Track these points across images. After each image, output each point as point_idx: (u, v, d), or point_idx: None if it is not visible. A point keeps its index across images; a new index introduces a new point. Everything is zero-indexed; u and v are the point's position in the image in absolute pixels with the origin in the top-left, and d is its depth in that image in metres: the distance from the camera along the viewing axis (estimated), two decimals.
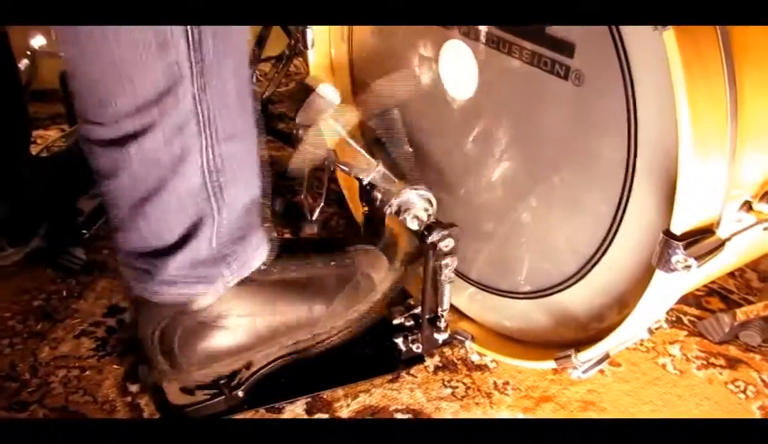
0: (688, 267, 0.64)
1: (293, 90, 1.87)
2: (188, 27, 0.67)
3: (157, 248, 0.78)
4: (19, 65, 1.42)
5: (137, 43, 0.66)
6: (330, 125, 0.95)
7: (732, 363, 1.02)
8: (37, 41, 1.61)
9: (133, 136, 0.71)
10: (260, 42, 1.67)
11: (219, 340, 0.84)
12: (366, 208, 1.00)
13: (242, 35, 0.75)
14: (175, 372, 0.85)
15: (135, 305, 0.84)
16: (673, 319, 1.09)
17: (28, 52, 1.68)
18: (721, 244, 0.67)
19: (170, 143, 0.72)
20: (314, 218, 1.26)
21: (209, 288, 0.82)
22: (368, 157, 0.95)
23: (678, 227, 0.64)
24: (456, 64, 0.89)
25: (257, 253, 0.85)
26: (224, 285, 0.82)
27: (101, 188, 0.77)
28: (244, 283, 0.84)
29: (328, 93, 0.91)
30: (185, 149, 0.73)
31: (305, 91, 0.92)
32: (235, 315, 0.84)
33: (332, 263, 0.91)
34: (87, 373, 0.97)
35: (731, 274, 1.18)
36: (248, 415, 0.91)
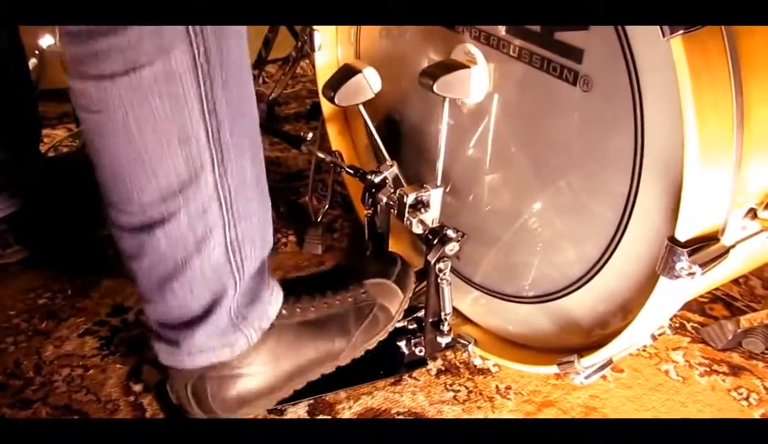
0: (692, 274, 0.64)
1: (299, 91, 1.88)
2: (207, 119, 0.71)
3: (183, 320, 0.81)
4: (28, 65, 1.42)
5: (160, 137, 0.70)
6: (360, 112, 0.95)
7: (735, 370, 1.01)
8: (46, 41, 1.62)
9: (159, 223, 0.74)
10: (267, 43, 1.68)
11: (248, 386, 0.87)
12: (369, 211, 1.00)
13: (254, 114, 0.78)
14: (210, 417, 0.88)
15: (166, 369, 0.87)
16: (677, 325, 1.08)
17: (36, 52, 1.69)
18: (726, 252, 0.67)
19: (194, 226, 0.75)
20: (319, 220, 1.26)
21: (234, 351, 0.85)
22: (386, 155, 0.96)
23: (683, 234, 0.64)
24: (464, 67, 0.89)
25: (273, 304, 0.88)
26: (247, 344, 0.85)
27: (128, 266, 0.80)
28: (267, 331, 0.87)
29: (372, 77, 0.91)
30: (208, 230, 0.76)
31: (348, 72, 0.91)
32: (260, 362, 0.87)
33: (349, 299, 0.93)
34: (90, 371, 0.97)
35: (735, 282, 1.18)
36: (250, 416, 0.91)
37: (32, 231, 1.18)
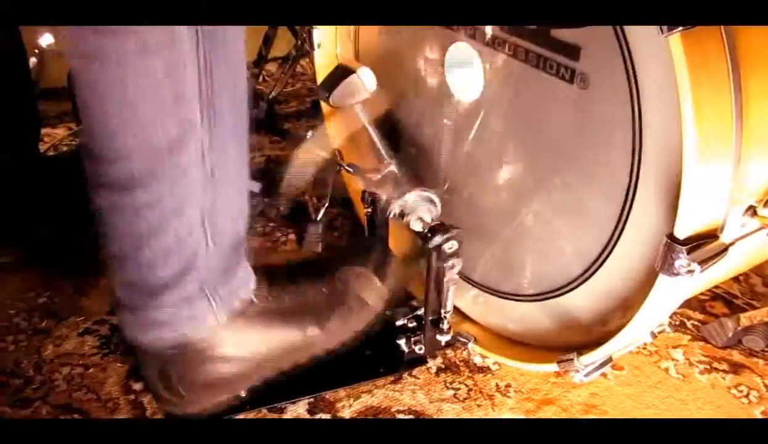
0: (691, 271, 0.64)
1: (299, 90, 1.87)
2: (201, 82, 0.71)
3: (152, 285, 0.80)
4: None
5: (154, 94, 0.70)
6: (357, 112, 0.94)
7: (735, 368, 1.01)
8: (45, 40, 1.62)
9: (140, 180, 0.73)
10: (267, 42, 1.68)
11: (217, 370, 0.86)
12: (368, 210, 1.00)
13: (245, 89, 0.79)
14: (177, 402, 0.87)
15: (135, 350, 0.87)
16: (677, 323, 1.08)
17: (36, 51, 1.68)
18: (725, 249, 0.67)
19: (174, 188, 0.75)
20: (318, 218, 1.26)
21: (201, 326, 0.84)
22: (384, 154, 0.95)
23: (681, 232, 0.64)
24: (462, 66, 0.89)
25: (244, 285, 0.88)
26: (215, 320, 0.85)
27: (101, 225, 0.79)
28: (237, 315, 0.86)
29: (367, 78, 0.91)
30: (188, 195, 0.76)
31: (342, 72, 0.91)
32: (230, 345, 0.86)
33: (323, 289, 0.92)
34: (90, 370, 0.97)
35: (735, 279, 1.17)
36: (250, 414, 0.91)
37: (32, 230, 1.18)
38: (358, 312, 0.92)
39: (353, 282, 0.93)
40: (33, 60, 1.65)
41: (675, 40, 0.59)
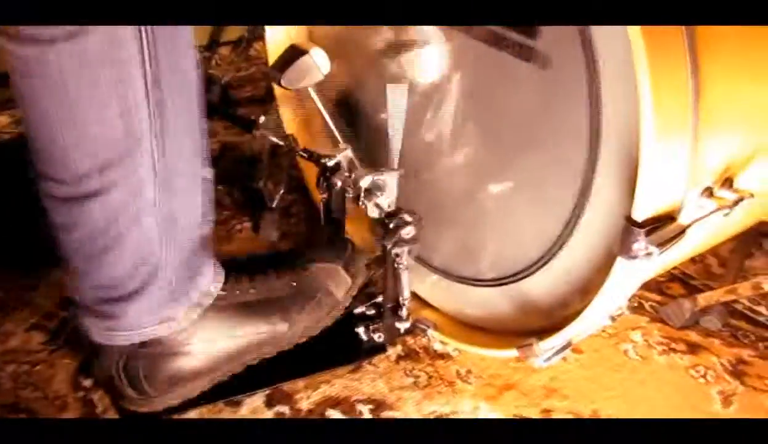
0: (649, 254, 0.64)
1: (254, 74, 1.84)
2: (149, 89, 0.69)
3: (115, 296, 0.79)
4: None
5: (99, 106, 0.68)
6: (310, 95, 0.92)
7: (693, 348, 1.02)
8: None
9: (94, 195, 0.72)
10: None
11: (183, 366, 0.85)
12: (325, 195, 0.97)
13: (197, 91, 0.77)
14: (142, 399, 0.85)
15: (95, 347, 0.84)
16: (635, 305, 1.09)
17: None
18: (682, 231, 0.66)
19: (130, 201, 0.73)
20: (274, 205, 1.24)
21: (170, 327, 0.83)
22: (339, 138, 0.93)
23: (639, 214, 0.63)
24: (419, 46, 0.87)
25: (212, 284, 0.86)
26: (186, 320, 0.84)
27: (59, 240, 0.78)
28: (204, 309, 0.85)
29: (320, 58, 0.87)
30: (144, 205, 0.74)
31: (294, 53, 0.88)
32: (197, 340, 0.85)
33: (293, 283, 0.91)
34: (38, 367, 0.94)
35: (692, 260, 1.18)
36: (204, 411, 0.89)
37: None
38: (328, 307, 0.92)
39: (323, 276, 0.92)
40: None
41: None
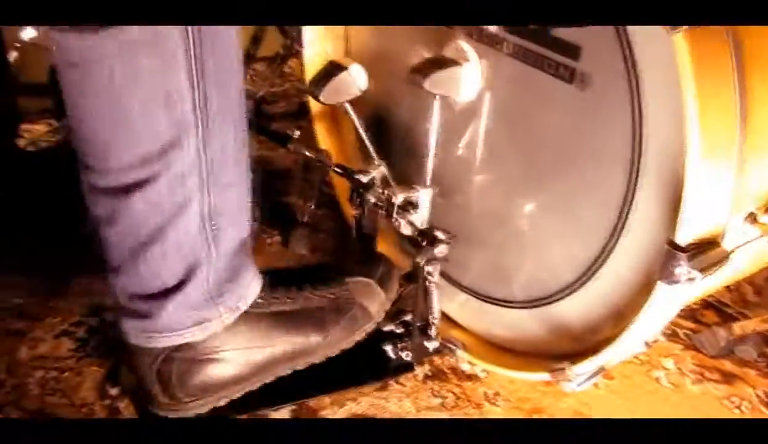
0: (691, 279, 0.62)
1: (287, 90, 1.85)
2: (194, 81, 0.69)
3: (155, 292, 0.79)
4: (8, 57, 1.39)
5: (144, 97, 0.68)
6: (347, 110, 0.92)
7: (727, 378, 1.00)
8: (27, 34, 1.57)
9: (137, 186, 0.72)
10: (256, 41, 1.65)
11: (216, 372, 0.84)
12: (357, 211, 0.97)
13: (241, 86, 0.76)
14: (174, 403, 0.85)
15: (129, 348, 0.84)
16: (668, 332, 1.07)
17: (17, 45, 1.65)
18: (726, 257, 0.65)
19: (173, 193, 0.73)
20: (305, 220, 1.24)
21: (206, 329, 0.82)
22: (373, 154, 0.93)
23: (683, 238, 0.62)
24: (458, 65, 0.86)
25: (250, 289, 0.86)
26: (221, 324, 0.83)
27: (100, 233, 0.77)
28: (240, 317, 0.85)
29: (358, 74, 0.88)
30: (186, 198, 0.74)
31: (333, 68, 0.89)
32: (230, 349, 0.85)
33: (329, 296, 0.91)
34: (65, 374, 0.94)
35: (727, 288, 1.16)
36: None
37: (7, 227, 1.15)
38: (362, 321, 0.91)
39: (358, 291, 0.92)
40: (14, 54, 1.62)
41: (679, 38, 0.57)
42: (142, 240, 0.75)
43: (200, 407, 0.86)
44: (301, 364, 0.89)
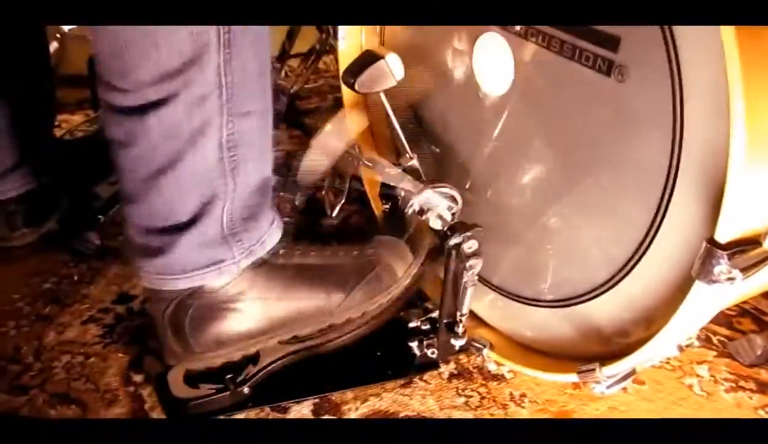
0: (731, 279, 0.60)
1: (321, 87, 1.85)
2: None
3: (169, 224, 0.76)
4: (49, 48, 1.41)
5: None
6: (381, 100, 0.91)
7: (763, 387, 0.97)
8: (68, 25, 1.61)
9: (155, 105, 0.70)
10: (290, 36, 1.65)
11: (231, 323, 0.82)
12: (387, 206, 0.96)
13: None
14: (185, 354, 0.83)
15: (146, 292, 0.83)
16: (703, 338, 1.04)
17: (58, 36, 1.67)
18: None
19: (191, 115, 0.71)
20: (334, 215, 1.23)
21: (221, 273, 0.80)
22: (405, 148, 0.92)
23: (723, 236, 0.60)
24: (491, 58, 0.85)
25: (269, 234, 0.83)
26: (236, 267, 0.81)
27: (116, 157, 0.75)
28: (260, 265, 0.82)
29: (395, 64, 0.87)
30: (205, 122, 0.72)
31: (369, 58, 0.88)
32: (249, 298, 0.82)
33: (354, 252, 0.88)
34: (91, 359, 0.95)
35: (765, 295, 1.13)
36: (251, 414, 0.88)
37: (42, 214, 1.16)
38: (387, 282, 0.88)
39: (385, 250, 0.89)
40: (54, 44, 1.64)
41: (727, 34, 0.55)
42: (157, 165, 0.73)
43: (212, 359, 0.84)
44: (319, 324, 0.86)
